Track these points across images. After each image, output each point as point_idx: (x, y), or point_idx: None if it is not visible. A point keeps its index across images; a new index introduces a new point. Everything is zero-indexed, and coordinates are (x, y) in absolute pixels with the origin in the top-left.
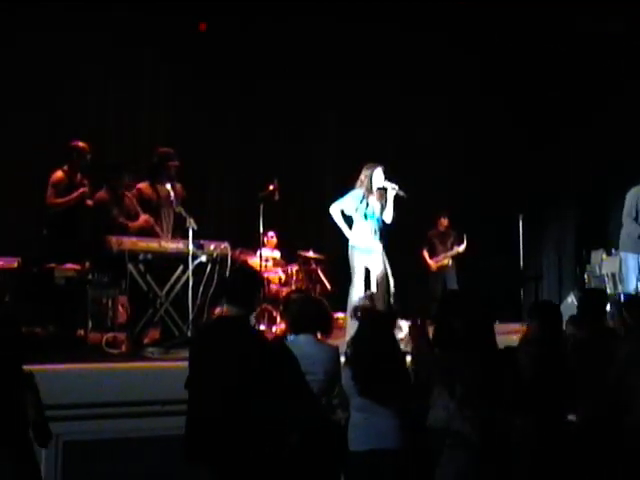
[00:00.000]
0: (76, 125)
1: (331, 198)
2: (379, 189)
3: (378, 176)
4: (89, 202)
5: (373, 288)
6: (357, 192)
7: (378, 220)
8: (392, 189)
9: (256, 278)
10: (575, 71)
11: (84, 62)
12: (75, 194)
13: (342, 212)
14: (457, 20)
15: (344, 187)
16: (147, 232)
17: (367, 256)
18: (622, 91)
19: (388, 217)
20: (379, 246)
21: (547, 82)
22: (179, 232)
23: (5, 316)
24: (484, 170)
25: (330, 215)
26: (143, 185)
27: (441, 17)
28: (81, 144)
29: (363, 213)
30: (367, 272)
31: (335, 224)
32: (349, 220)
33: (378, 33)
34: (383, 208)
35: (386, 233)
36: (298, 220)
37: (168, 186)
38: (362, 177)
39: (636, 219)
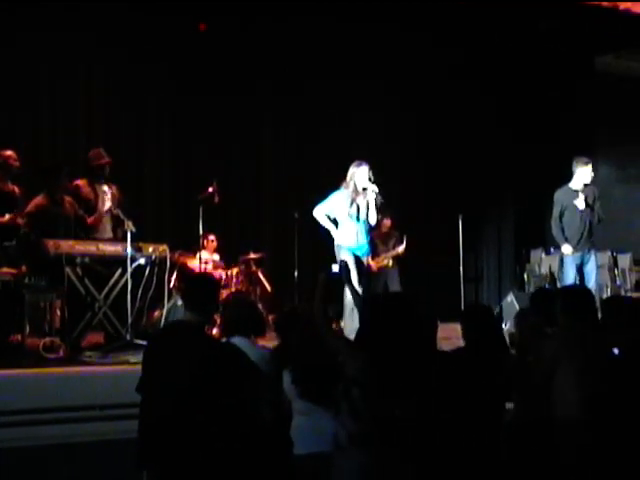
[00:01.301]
0: (9, 127)
1: (269, 199)
2: (363, 189)
3: (362, 175)
4: (19, 221)
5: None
6: (343, 194)
7: (364, 222)
8: (372, 192)
9: (213, 286)
10: (518, 71)
11: (16, 60)
12: (5, 219)
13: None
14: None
15: (285, 187)
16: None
17: (353, 256)
18: (558, 91)
19: (373, 219)
20: (365, 248)
21: (490, 84)
22: (117, 234)
23: None
24: (425, 171)
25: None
26: (81, 182)
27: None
28: (7, 153)
29: (355, 217)
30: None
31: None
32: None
33: (350, 31)
34: (366, 209)
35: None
36: (237, 222)
37: (105, 187)
38: (348, 176)
39: (559, 218)
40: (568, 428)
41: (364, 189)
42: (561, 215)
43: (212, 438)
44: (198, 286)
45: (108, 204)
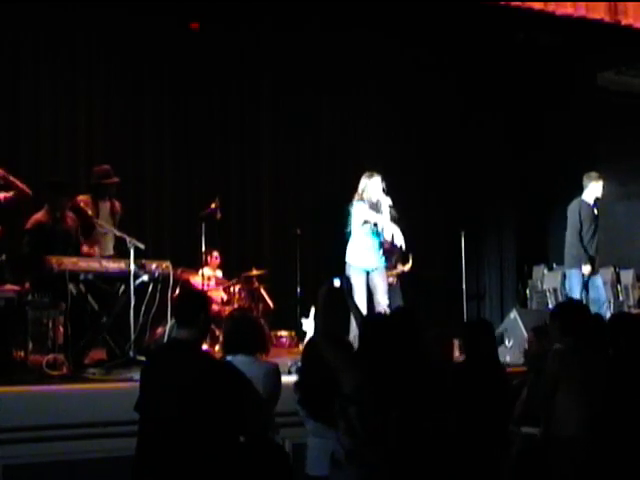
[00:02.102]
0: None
1: (271, 215)
2: (376, 201)
3: (374, 187)
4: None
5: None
6: (360, 207)
7: (379, 236)
8: (387, 205)
9: (200, 300)
10: (521, 87)
11: (15, 75)
12: None
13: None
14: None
15: (286, 203)
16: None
17: (365, 276)
18: (559, 107)
19: (388, 233)
20: (381, 265)
21: (493, 100)
22: (120, 251)
23: None
24: (426, 186)
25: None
26: (83, 198)
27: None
28: None
29: (370, 231)
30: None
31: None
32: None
33: (351, 42)
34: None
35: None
36: (239, 238)
37: (108, 204)
38: (360, 188)
39: (580, 233)
40: (567, 447)
41: (378, 202)
42: (581, 231)
43: (207, 456)
44: (185, 302)
45: (109, 221)
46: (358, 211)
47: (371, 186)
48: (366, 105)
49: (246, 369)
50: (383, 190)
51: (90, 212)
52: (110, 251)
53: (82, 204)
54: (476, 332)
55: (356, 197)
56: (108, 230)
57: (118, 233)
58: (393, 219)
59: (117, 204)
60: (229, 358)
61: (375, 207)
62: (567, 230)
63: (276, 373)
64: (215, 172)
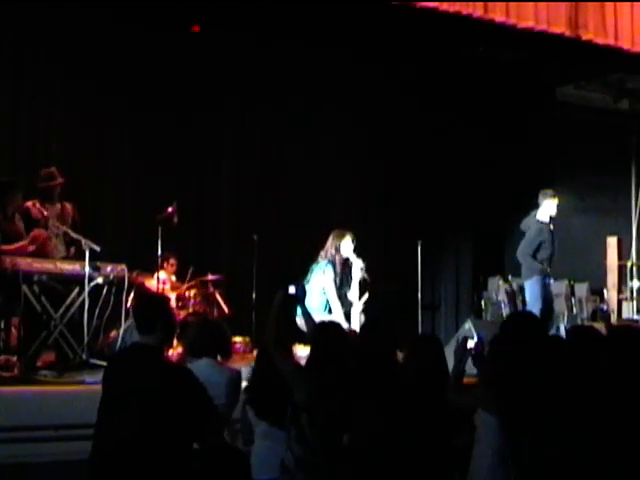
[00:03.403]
0: None
1: (228, 220)
2: (346, 260)
3: (346, 246)
4: None
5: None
6: (329, 275)
7: (344, 297)
8: (359, 268)
9: (158, 305)
10: (475, 99)
11: None
12: None
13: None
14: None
15: (244, 208)
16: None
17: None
18: (518, 120)
19: (354, 296)
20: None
21: (446, 113)
22: (70, 253)
23: None
24: (384, 196)
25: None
26: (31, 203)
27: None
28: None
29: (324, 307)
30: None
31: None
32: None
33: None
34: (346, 282)
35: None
36: (195, 243)
37: (58, 206)
38: (328, 246)
39: (532, 248)
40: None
41: (347, 260)
42: (533, 246)
43: (162, 462)
44: (142, 308)
45: (57, 224)
46: (325, 280)
47: (343, 247)
48: (327, 117)
49: (209, 373)
50: (354, 250)
51: (37, 216)
52: (62, 253)
53: (30, 208)
54: (426, 348)
55: (323, 255)
56: (62, 231)
57: (74, 235)
58: (363, 281)
59: (68, 206)
60: (192, 362)
61: (343, 267)
62: (521, 244)
63: (239, 379)
64: (173, 175)
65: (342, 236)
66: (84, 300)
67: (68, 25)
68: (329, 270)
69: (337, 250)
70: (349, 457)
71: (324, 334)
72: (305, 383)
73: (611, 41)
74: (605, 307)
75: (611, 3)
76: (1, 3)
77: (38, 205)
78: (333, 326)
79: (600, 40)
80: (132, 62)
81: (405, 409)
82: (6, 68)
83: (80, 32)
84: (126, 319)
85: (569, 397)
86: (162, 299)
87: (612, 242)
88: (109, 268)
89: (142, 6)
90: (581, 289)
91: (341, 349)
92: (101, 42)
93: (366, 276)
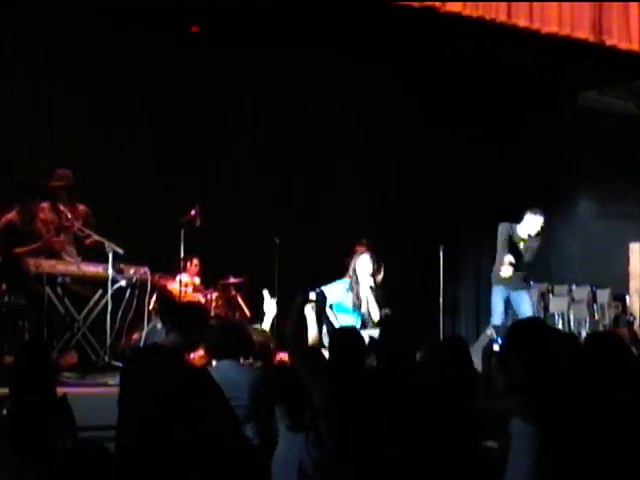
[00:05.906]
0: None
1: (250, 224)
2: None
3: (363, 264)
4: None
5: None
6: (344, 282)
7: (359, 315)
8: (370, 287)
9: (202, 313)
10: (498, 104)
11: None
12: None
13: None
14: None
15: (266, 212)
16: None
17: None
18: (540, 126)
19: (375, 314)
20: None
21: (469, 117)
22: (98, 256)
23: None
24: (406, 200)
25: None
26: (44, 205)
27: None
28: None
29: (350, 307)
30: None
31: None
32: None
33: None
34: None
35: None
36: (218, 246)
37: (68, 208)
38: (351, 265)
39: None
40: None
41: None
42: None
43: (178, 464)
44: (187, 311)
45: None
46: (335, 285)
47: (360, 264)
48: (343, 121)
49: (232, 374)
50: (374, 267)
51: (49, 218)
52: (73, 256)
53: (43, 210)
54: (450, 350)
55: (347, 275)
56: (85, 233)
57: (97, 237)
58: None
59: (81, 207)
60: (214, 363)
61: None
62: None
63: (260, 377)
64: (196, 178)
65: (360, 253)
66: (107, 302)
67: (68, 25)
68: (340, 283)
69: (353, 268)
70: (363, 459)
71: (342, 338)
72: (323, 387)
73: (635, 46)
74: (632, 318)
75: (635, 6)
76: (1, 3)
77: (50, 208)
78: (351, 331)
79: (624, 45)
80: (155, 63)
81: (421, 409)
82: (20, 67)
83: (90, 32)
84: (149, 321)
85: (607, 407)
86: (204, 308)
87: (635, 248)
88: (132, 270)
89: (154, 6)
90: (603, 295)
91: (359, 353)
92: (119, 43)
93: (379, 293)
